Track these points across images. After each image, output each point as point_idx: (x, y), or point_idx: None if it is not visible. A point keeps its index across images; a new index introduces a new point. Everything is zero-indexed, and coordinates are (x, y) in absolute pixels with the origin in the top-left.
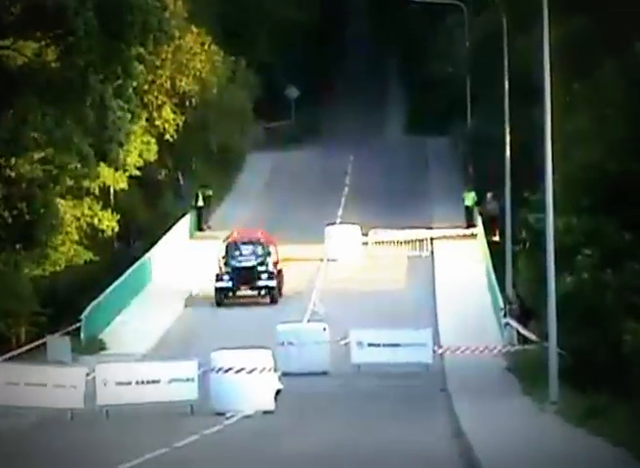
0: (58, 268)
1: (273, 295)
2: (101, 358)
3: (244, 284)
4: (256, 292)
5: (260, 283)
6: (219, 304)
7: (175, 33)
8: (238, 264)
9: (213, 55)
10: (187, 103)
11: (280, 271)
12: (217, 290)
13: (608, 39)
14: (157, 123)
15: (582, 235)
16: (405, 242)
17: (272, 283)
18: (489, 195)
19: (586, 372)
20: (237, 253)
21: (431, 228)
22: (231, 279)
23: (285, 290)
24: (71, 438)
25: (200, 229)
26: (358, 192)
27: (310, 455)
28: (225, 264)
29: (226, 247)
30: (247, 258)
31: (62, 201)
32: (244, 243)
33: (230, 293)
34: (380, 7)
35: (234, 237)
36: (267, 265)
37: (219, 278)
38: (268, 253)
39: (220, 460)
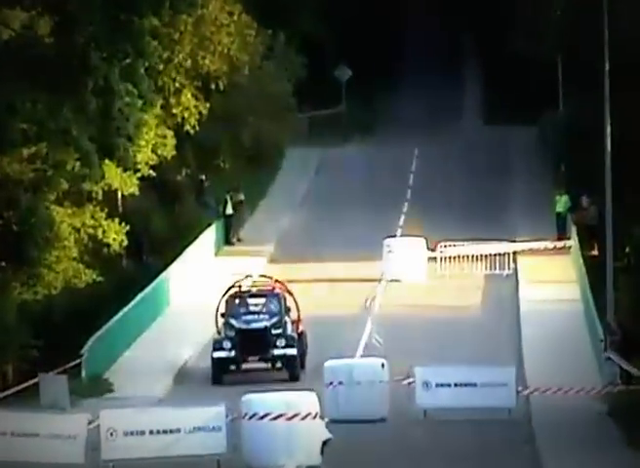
0: (53, 291)
1: (293, 369)
2: (107, 402)
3: (253, 353)
4: (268, 365)
5: (276, 352)
6: (216, 381)
7: (196, 0)
8: (245, 326)
9: (244, 27)
10: (212, 87)
11: (302, 334)
12: (214, 362)
13: None
14: (175, 111)
15: None
16: (482, 258)
17: (292, 351)
18: (585, 200)
19: None
20: (243, 309)
21: (514, 241)
22: (234, 346)
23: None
24: None
25: (229, 243)
26: (424, 196)
27: None
28: (226, 325)
29: (227, 301)
30: (257, 318)
31: (58, 208)
32: (253, 295)
33: (233, 367)
34: None
35: (239, 286)
36: (285, 327)
37: (217, 345)
38: (287, 310)
39: None
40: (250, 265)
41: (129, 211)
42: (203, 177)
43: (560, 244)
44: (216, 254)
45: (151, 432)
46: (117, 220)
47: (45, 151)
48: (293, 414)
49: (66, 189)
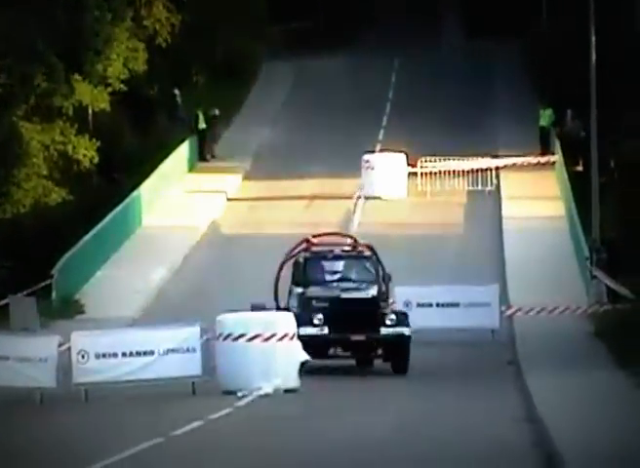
0: (22, 209)
1: (404, 357)
2: (78, 324)
3: (358, 331)
4: (375, 353)
5: (385, 331)
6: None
7: None
8: (344, 294)
9: None
10: None
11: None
12: (302, 341)
13: None
14: (146, 23)
15: None
16: (464, 174)
17: (406, 330)
18: (569, 113)
19: None
20: (327, 275)
21: (497, 156)
22: (330, 321)
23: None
24: (40, 426)
25: (203, 159)
26: (404, 110)
27: (343, 445)
28: (303, 296)
29: (297, 265)
30: (353, 286)
31: (27, 124)
32: (337, 257)
33: (332, 350)
34: None
35: (310, 244)
36: (387, 298)
37: (302, 319)
38: (386, 279)
39: (229, 452)
40: (224, 182)
41: (100, 127)
42: (176, 92)
43: (544, 159)
44: (189, 171)
45: (124, 354)
46: (87, 136)
47: (11, 66)
48: (270, 335)
49: (35, 105)
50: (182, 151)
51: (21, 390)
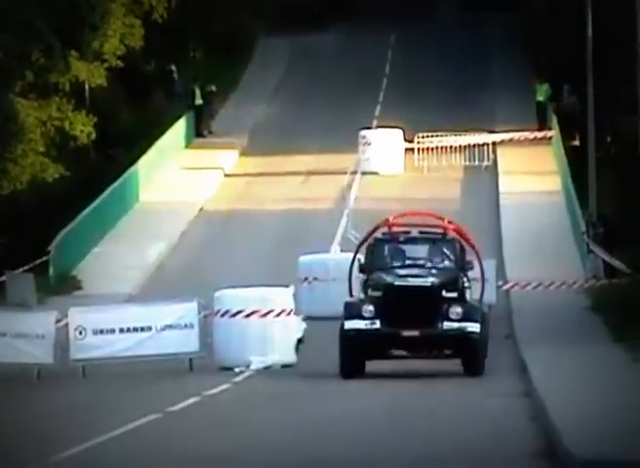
0: (18, 186)
1: (475, 357)
2: (75, 300)
3: (410, 325)
4: (434, 352)
5: (448, 325)
6: (347, 372)
7: None
8: (399, 281)
9: None
10: None
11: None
12: (346, 338)
13: None
14: None
15: None
16: (460, 149)
17: (474, 327)
18: (566, 88)
19: None
20: (397, 259)
21: (494, 131)
22: (381, 313)
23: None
24: (37, 402)
25: (199, 135)
26: (401, 85)
27: (340, 422)
28: (368, 282)
29: (371, 247)
30: (419, 272)
31: (23, 101)
32: (413, 239)
33: (383, 348)
34: None
35: (389, 225)
36: (463, 290)
37: (349, 311)
38: (467, 267)
39: (226, 428)
40: (221, 158)
41: (97, 103)
42: (173, 68)
43: (541, 134)
44: (186, 147)
45: (121, 330)
46: (84, 113)
47: (7, 42)
48: (267, 311)
49: (31, 82)
50: (179, 127)
51: (19, 366)
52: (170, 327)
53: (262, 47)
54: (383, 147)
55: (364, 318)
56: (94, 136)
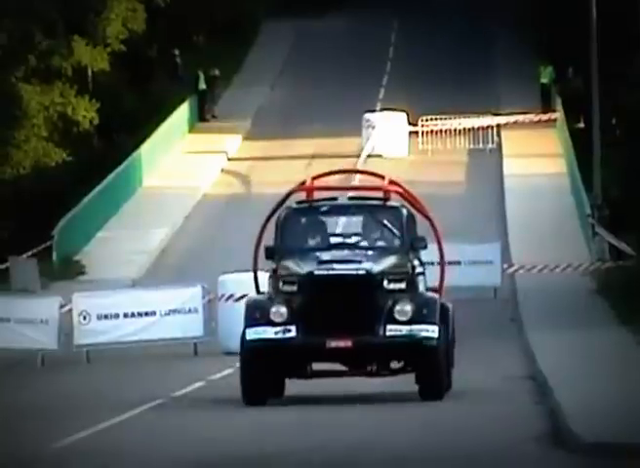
0: (22, 171)
1: (432, 375)
2: (79, 285)
3: (337, 332)
4: (372, 367)
5: (392, 330)
6: (251, 401)
7: None
8: (322, 270)
9: None
10: None
11: (443, 308)
12: (247, 352)
13: None
14: None
15: None
16: (465, 132)
17: (430, 331)
18: (570, 70)
19: None
20: (319, 238)
21: (498, 114)
22: (300, 317)
23: None
24: (41, 388)
25: (203, 119)
26: (404, 69)
27: (346, 405)
28: (279, 273)
29: (283, 221)
30: (350, 254)
31: (26, 85)
32: (341, 208)
33: (301, 365)
34: None
35: (308, 186)
36: (414, 279)
37: (253, 313)
38: (418, 242)
39: (230, 413)
40: (225, 142)
41: (100, 88)
42: (176, 52)
43: (545, 116)
44: (189, 131)
45: (125, 315)
46: (87, 98)
47: (9, 27)
48: None
49: (34, 66)
50: (182, 111)
51: (23, 352)
52: (174, 311)
53: (266, 31)
54: (388, 130)
55: (273, 324)
56: (97, 121)
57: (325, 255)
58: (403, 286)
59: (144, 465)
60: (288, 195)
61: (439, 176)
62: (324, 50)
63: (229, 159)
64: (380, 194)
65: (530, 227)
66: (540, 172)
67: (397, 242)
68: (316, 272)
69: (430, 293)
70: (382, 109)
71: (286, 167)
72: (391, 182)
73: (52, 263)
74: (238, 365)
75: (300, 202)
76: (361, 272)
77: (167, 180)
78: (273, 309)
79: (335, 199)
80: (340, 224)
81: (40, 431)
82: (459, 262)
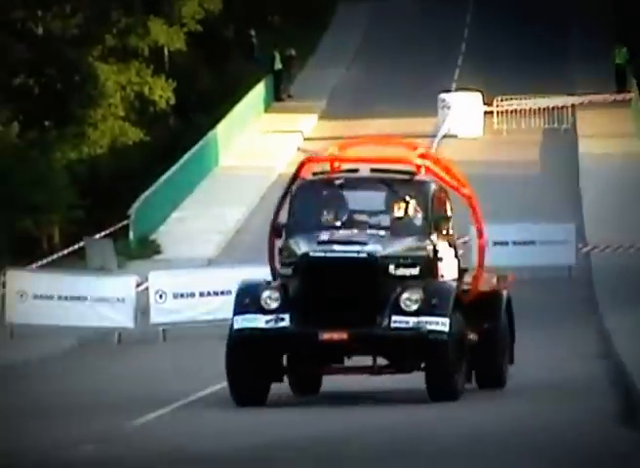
0: (99, 150)
1: (442, 375)
2: (155, 264)
3: (333, 321)
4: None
5: (399, 321)
6: (240, 401)
7: None
8: (319, 252)
9: None
10: None
11: (496, 295)
12: (238, 341)
13: None
14: None
15: None
16: (539, 112)
17: (440, 325)
18: None
19: None
20: (332, 214)
21: (573, 94)
22: (294, 304)
23: None
24: (118, 366)
25: (278, 99)
26: (479, 49)
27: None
28: (285, 252)
29: (294, 194)
30: (358, 236)
31: (103, 65)
32: (358, 182)
33: (295, 358)
34: None
35: (331, 157)
36: (430, 263)
37: (249, 297)
38: (443, 226)
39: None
40: (300, 122)
41: (176, 67)
42: (252, 33)
43: (620, 96)
44: (265, 111)
45: (201, 294)
46: (163, 77)
47: (88, 6)
48: None
49: (112, 46)
50: (258, 91)
51: (100, 330)
52: None
53: (342, 11)
54: (463, 111)
55: (264, 311)
56: (173, 101)
57: (327, 235)
58: (416, 271)
59: (223, 443)
60: (302, 166)
61: (514, 156)
62: (399, 30)
63: (305, 138)
64: (410, 167)
65: (605, 207)
66: (614, 151)
67: (419, 222)
68: (312, 254)
69: (450, 281)
70: (458, 89)
71: (361, 146)
72: (422, 155)
73: (128, 242)
74: None
75: (315, 173)
76: (362, 255)
77: (242, 160)
78: (265, 294)
79: (355, 171)
80: (358, 200)
81: (115, 410)
82: (533, 242)
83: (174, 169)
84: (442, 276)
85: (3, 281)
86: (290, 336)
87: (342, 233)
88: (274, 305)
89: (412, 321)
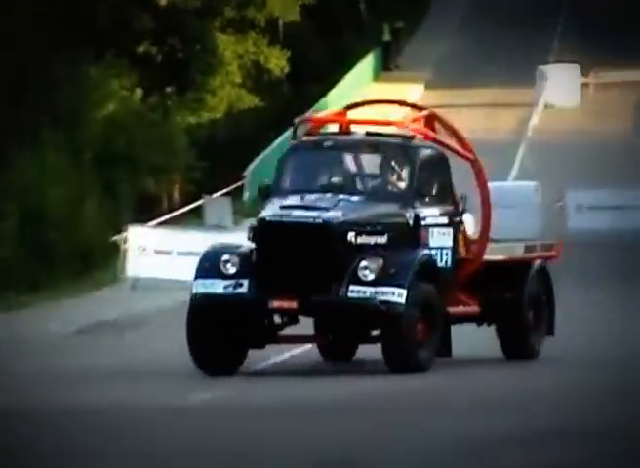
0: (216, 115)
1: (398, 346)
2: None
3: (284, 289)
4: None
5: (356, 290)
6: (203, 368)
7: None
8: (277, 218)
9: None
10: None
11: (526, 266)
12: (195, 308)
13: None
14: None
15: None
16: (636, 84)
17: (395, 296)
18: None
19: None
20: (315, 179)
21: None
22: (252, 270)
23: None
24: None
25: (387, 69)
26: (578, 21)
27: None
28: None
29: (282, 156)
30: (323, 202)
31: (222, 35)
32: (348, 145)
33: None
34: None
35: (336, 117)
36: (401, 230)
37: (209, 261)
38: (434, 186)
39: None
40: (407, 91)
41: (290, 38)
42: (361, 5)
43: None
44: (374, 81)
45: None
46: (278, 47)
47: None
48: None
49: (230, 17)
50: (367, 62)
51: None
52: None
53: None
54: (561, 82)
55: (224, 276)
56: (287, 69)
57: (295, 199)
58: (383, 240)
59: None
60: (294, 127)
61: (610, 127)
62: (502, 3)
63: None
64: (408, 131)
65: None
66: None
67: (401, 188)
68: (267, 218)
69: (418, 251)
70: (556, 61)
71: (467, 115)
72: (416, 119)
73: (243, 202)
74: None
75: (307, 134)
76: (317, 221)
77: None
78: (223, 258)
79: (349, 133)
80: (345, 163)
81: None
82: (628, 207)
83: (286, 134)
84: (426, 245)
85: (125, 236)
86: (243, 303)
87: (310, 198)
88: (232, 270)
89: (369, 291)
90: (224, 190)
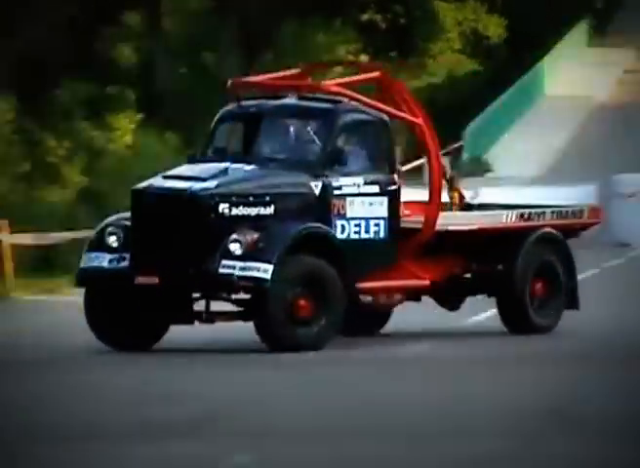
0: (437, 80)
1: (265, 321)
2: (486, 181)
3: (148, 262)
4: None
5: (228, 265)
6: (104, 341)
7: None
8: (148, 188)
9: None
10: None
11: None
12: (83, 282)
13: None
14: None
15: None
16: None
17: (265, 270)
18: None
19: None
20: (230, 145)
21: None
22: (125, 242)
23: None
24: None
25: (600, 34)
26: None
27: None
28: None
29: (212, 123)
30: (208, 172)
31: (442, 3)
32: (269, 111)
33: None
34: None
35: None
36: (301, 200)
37: (94, 239)
38: (339, 159)
39: (617, 296)
40: (621, 55)
41: (508, 6)
42: None
43: None
44: (588, 46)
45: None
46: (497, 15)
47: None
48: None
49: None
50: (582, 28)
51: None
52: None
53: None
54: None
55: (109, 249)
56: (504, 36)
57: (182, 169)
58: (268, 211)
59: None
60: (229, 91)
61: None
62: None
63: (625, 71)
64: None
65: None
66: None
67: (313, 155)
68: (138, 188)
69: (302, 223)
70: None
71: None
72: (340, 84)
73: (462, 161)
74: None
75: (238, 99)
76: (184, 193)
77: (565, 90)
78: (107, 231)
79: (280, 97)
80: (264, 129)
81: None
82: None
83: (503, 97)
84: (341, 215)
85: None
86: (123, 279)
87: (200, 167)
88: (115, 244)
89: (238, 265)
90: (444, 150)
